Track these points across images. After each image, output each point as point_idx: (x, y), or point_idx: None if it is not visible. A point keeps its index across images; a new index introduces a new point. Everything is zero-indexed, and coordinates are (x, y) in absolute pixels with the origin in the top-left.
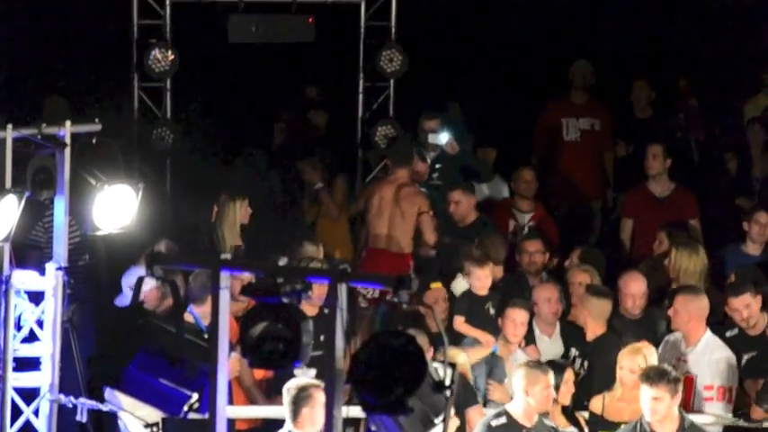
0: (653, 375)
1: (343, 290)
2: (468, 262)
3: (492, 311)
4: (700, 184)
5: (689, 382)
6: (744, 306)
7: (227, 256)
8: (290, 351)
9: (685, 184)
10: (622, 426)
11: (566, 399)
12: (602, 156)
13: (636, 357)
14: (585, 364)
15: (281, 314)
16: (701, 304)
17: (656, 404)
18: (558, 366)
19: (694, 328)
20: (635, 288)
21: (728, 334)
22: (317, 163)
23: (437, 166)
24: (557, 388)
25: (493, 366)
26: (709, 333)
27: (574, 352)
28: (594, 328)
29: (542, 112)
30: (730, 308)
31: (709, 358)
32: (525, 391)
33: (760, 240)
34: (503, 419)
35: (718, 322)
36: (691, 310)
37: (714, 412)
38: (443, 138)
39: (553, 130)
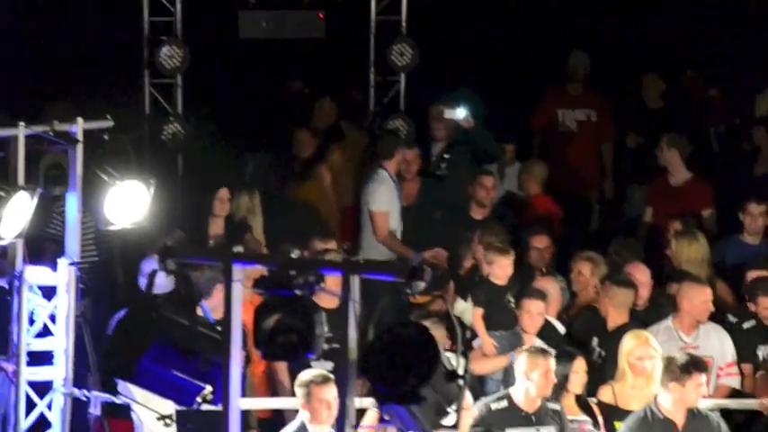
0: (699, 363)
1: (355, 282)
2: (489, 251)
3: (512, 303)
4: (719, 175)
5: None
6: (763, 308)
7: (239, 249)
8: (303, 343)
9: (704, 174)
10: (632, 413)
11: (577, 388)
12: (600, 147)
13: (647, 346)
14: (604, 353)
15: (294, 306)
16: (704, 293)
17: (703, 389)
18: (567, 355)
19: (696, 317)
20: (641, 277)
21: (746, 326)
22: (311, 132)
23: (446, 155)
24: (566, 377)
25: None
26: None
27: (595, 342)
28: (616, 318)
29: (539, 102)
30: (760, 306)
31: (719, 340)
32: (525, 376)
33: (755, 231)
34: (504, 403)
35: (722, 311)
36: (693, 300)
37: (735, 386)
38: (460, 113)
39: (549, 120)
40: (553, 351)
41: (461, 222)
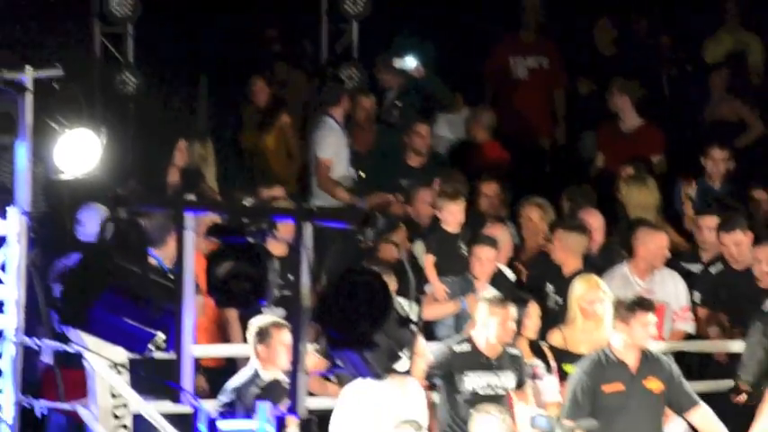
0: (646, 303)
1: (307, 229)
2: (439, 197)
3: (464, 250)
4: (670, 120)
5: (660, 311)
6: (734, 243)
7: (191, 197)
8: (256, 290)
9: (656, 119)
10: (585, 356)
11: (530, 332)
12: (552, 93)
13: (597, 290)
14: (560, 299)
15: (247, 254)
16: (659, 238)
17: (651, 329)
18: (520, 300)
19: (652, 262)
20: (593, 223)
21: (713, 270)
22: (267, 81)
23: (397, 103)
24: (519, 322)
25: (458, 318)
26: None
27: (549, 287)
28: (570, 264)
29: (492, 49)
30: (721, 242)
31: (673, 285)
32: (486, 324)
33: (716, 175)
34: (466, 346)
35: (674, 255)
36: (648, 245)
37: (689, 330)
38: (410, 62)
39: (501, 67)
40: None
41: (399, 170)
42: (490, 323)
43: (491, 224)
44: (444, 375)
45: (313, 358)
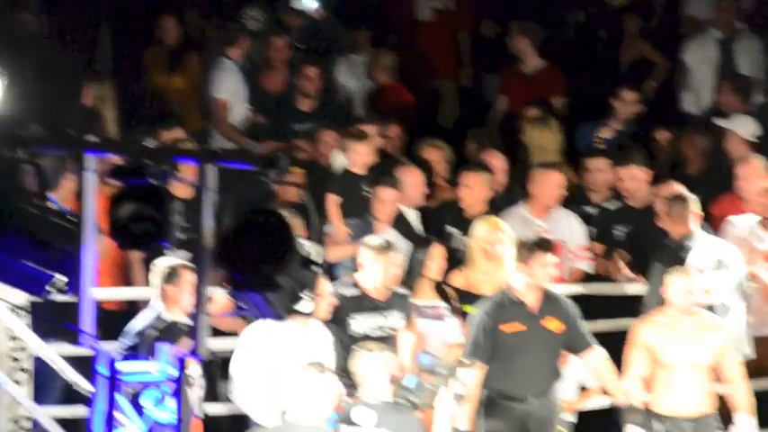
0: (546, 243)
1: (210, 170)
2: (346, 138)
3: (368, 192)
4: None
5: (558, 250)
6: (629, 177)
7: (91, 138)
8: (159, 232)
9: (559, 62)
10: (486, 297)
11: (434, 273)
12: (457, 36)
13: (498, 231)
14: (464, 240)
15: (149, 195)
16: (555, 178)
17: (551, 269)
18: (424, 241)
19: (548, 201)
20: (497, 164)
21: (611, 206)
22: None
23: (298, 46)
24: (422, 263)
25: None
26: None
27: (452, 229)
28: (475, 205)
29: None
30: (615, 176)
31: (570, 224)
32: (372, 268)
33: (624, 117)
34: (354, 290)
35: (572, 197)
36: (544, 185)
37: (587, 269)
38: (310, 3)
39: (405, 8)
40: (400, 243)
41: (290, 114)
42: (374, 268)
43: (401, 166)
44: (334, 319)
45: (222, 300)
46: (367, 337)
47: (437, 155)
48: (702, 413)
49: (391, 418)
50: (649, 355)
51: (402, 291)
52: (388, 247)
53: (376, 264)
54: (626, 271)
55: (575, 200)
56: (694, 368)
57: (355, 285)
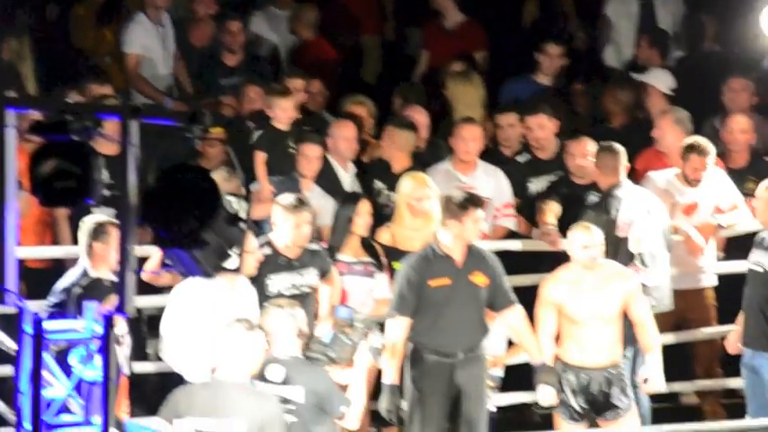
0: (475, 198)
1: (134, 126)
2: (268, 94)
3: (293, 148)
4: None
5: (486, 206)
6: (537, 125)
7: (11, 93)
8: (82, 188)
9: (478, 16)
10: (413, 252)
11: (361, 230)
12: None
13: (424, 187)
14: (391, 196)
15: (71, 152)
16: (475, 132)
17: (481, 225)
18: (351, 198)
19: (470, 156)
20: (420, 119)
21: (520, 159)
22: None
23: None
24: (350, 219)
25: None
26: (480, 161)
27: (379, 185)
28: (400, 161)
29: None
30: (524, 126)
31: (496, 180)
32: (282, 226)
33: (550, 71)
34: (267, 249)
35: (489, 150)
36: (467, 139)
37: (511, 227)
38: None
39: None
40: (326, 200)
41: (216, 69)
42: (285, 226)
43: (338, 121)
44: (252, 280)
45: (155, 258)
46: (282, 296)
47: (364, 111)
48: (612, 362)
49: (300, 373)
50: (557, 312)
51: (316, 247)
52: (298, 204)
53: (287, 222)
54: (549, 225)
55: (494, 155)
56: (601, 321)
57: (269, 245)
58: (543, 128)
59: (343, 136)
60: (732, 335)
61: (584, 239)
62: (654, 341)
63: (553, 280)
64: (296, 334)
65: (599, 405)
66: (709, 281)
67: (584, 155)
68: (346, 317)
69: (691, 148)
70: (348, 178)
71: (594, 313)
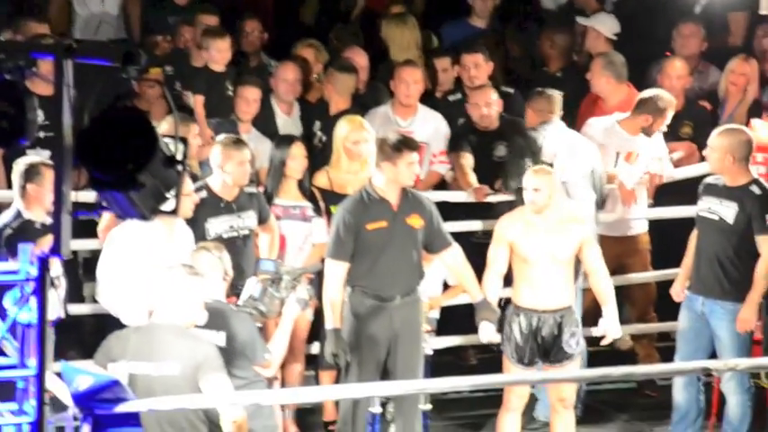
0: (410, 141)
1: (68, 66)
2: (205, 36)
3: (231, 90)
4: None
5: (421, 151)
6: (473, 64)
7: None
8: (15, 128)
9: None
10: (349, 195)
11: (296, 173)
12: None
13: (362, 130)
14: (324, 138)
15: (5, 91)
16: (419, 74)
17: (416, 168)
18: (285, 140)
19: (407, 99)
20: (360, 61)
21: (451, 98)
22: None
23: None
24: (284, 162)
25: None
26: (420, 105)
27: (318, 125)
28: (339, 103)
29: None
30: (460, 65)
31: (434, 126)
32: (221, 168)
33: (484, 14)
34: (204, 193)
35: (428, 91)
36: (408, 81)
37: (443, 173)
38: None
39: None
40: (262, 142)
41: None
42: (226, 167)
43: (282, 64)
44: (188, 222)
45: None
46: (221, 239)
47: (311, 53)
48: (563, 306)
49: (223, 318)
50: (510, 251)
51: (253, 190)
52: (238, 142)
53: (229, 160)
54: (469, 178)
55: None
56: (553, 262)
57: (206, 188)
58: (479, 67)
59: (283, 77)
60: (677, 282)
61: (534, 182)
62: (609, 292)
63: (508, 218)
64: (221, 277)
65: (547, 349)
66: (642, 227)
67: (489, 104)
68: (271, 269)
69: (662, 110)
70: (283, 121)
71: (546, 253)
